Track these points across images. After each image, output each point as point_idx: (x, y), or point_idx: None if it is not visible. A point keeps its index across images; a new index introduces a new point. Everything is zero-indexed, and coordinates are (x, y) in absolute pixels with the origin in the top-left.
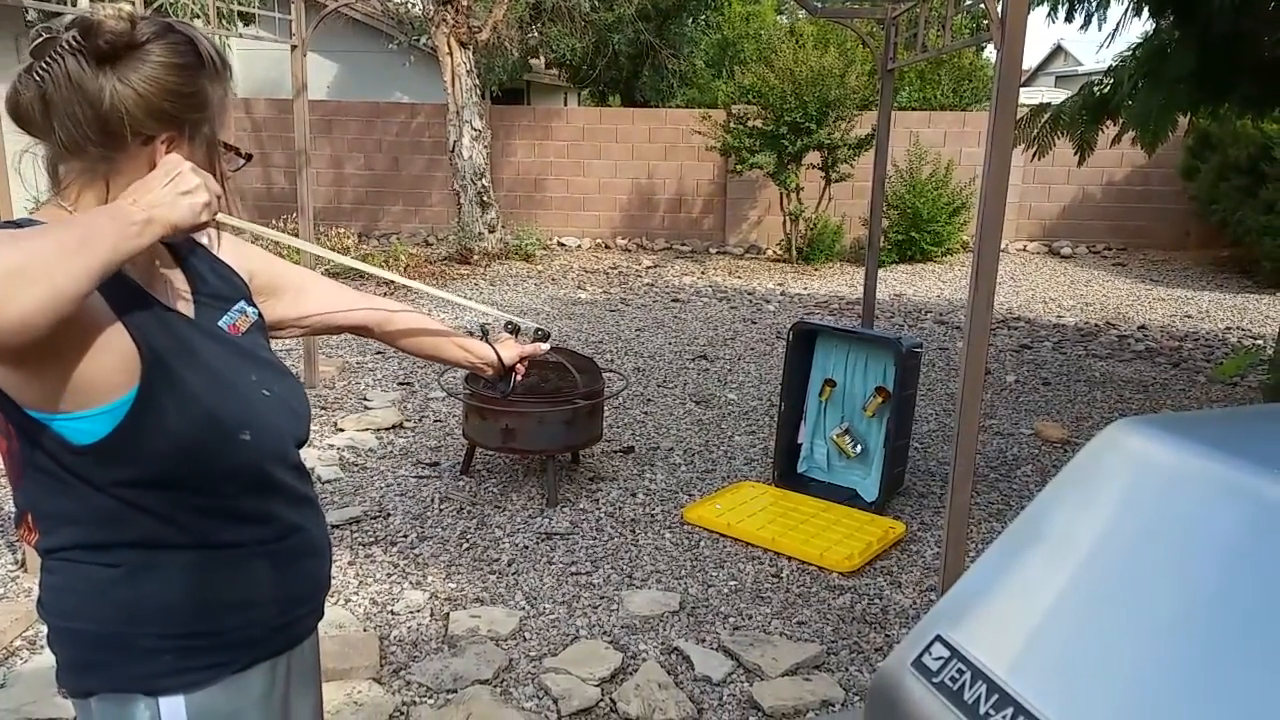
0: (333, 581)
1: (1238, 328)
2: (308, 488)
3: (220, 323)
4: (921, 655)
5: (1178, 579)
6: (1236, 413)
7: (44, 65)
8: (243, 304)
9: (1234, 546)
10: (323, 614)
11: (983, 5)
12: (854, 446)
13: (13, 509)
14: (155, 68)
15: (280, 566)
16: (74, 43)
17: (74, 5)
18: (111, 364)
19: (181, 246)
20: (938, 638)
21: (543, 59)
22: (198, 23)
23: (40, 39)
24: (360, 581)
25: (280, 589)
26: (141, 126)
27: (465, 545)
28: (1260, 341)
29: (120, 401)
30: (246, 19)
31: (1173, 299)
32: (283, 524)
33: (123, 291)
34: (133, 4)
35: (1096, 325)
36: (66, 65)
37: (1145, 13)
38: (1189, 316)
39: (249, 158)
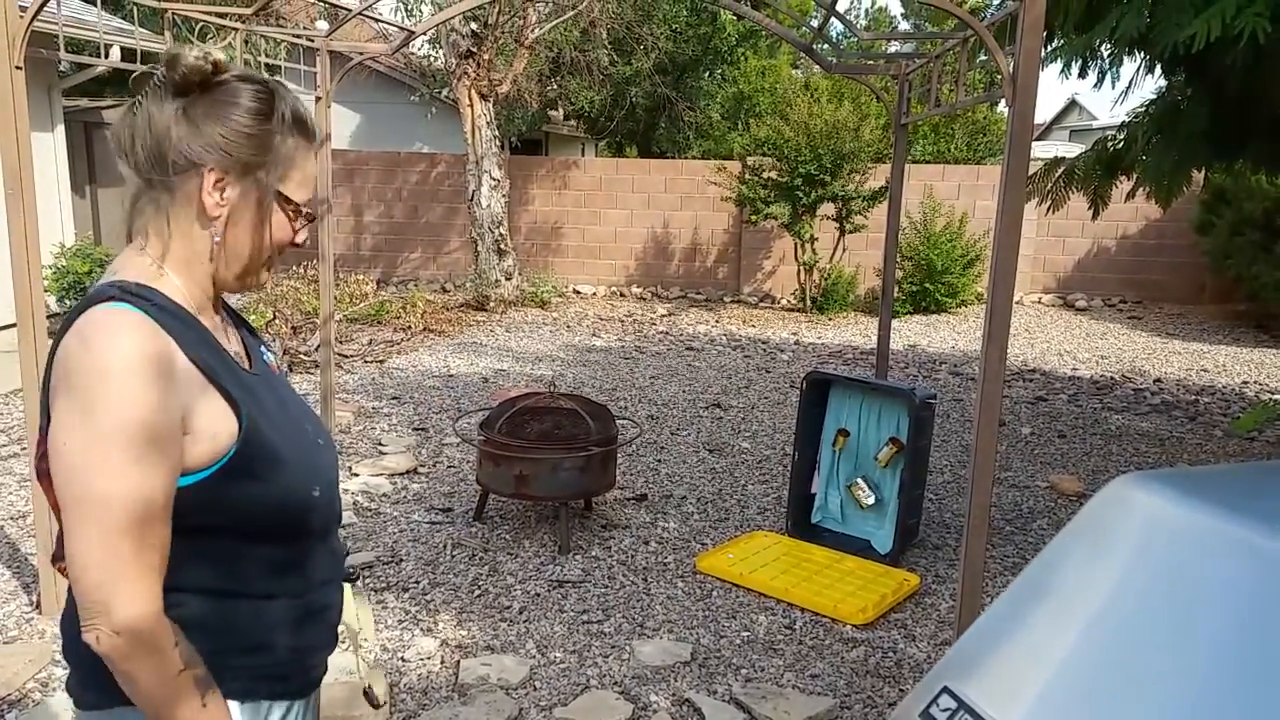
0: (344, 628)
1: (1255, 382)
2: (339, 540)
3: (266, 358)
4: (929, 707)
5: (1183, 636)
6: (1244, 468)
7: (139, 99)
8: (264, 345)
9: (1240, 604)
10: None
11: (995, 63)
12: (868, 497)
13: (31, 550)
14: (218, 104)
15: (307, 616)
16: (161, 77)
17: (105, 57)
18: (214, 437)
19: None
20: (945, 689)
21: (561, 111)
22: None
23: (141, 74)
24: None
25: (302, 638)
26: (190, 153)
27: (477, 592)
28: (1278, 396)
29: (216, 465)
30: (273, 71)
31: (1189, 353)
32: (318, 577)
33: (216, 360)
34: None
35: (1112, 378)
36: (149, 97)
37: (1157, 70)
38: (1205, 370)
39: (312, 219)
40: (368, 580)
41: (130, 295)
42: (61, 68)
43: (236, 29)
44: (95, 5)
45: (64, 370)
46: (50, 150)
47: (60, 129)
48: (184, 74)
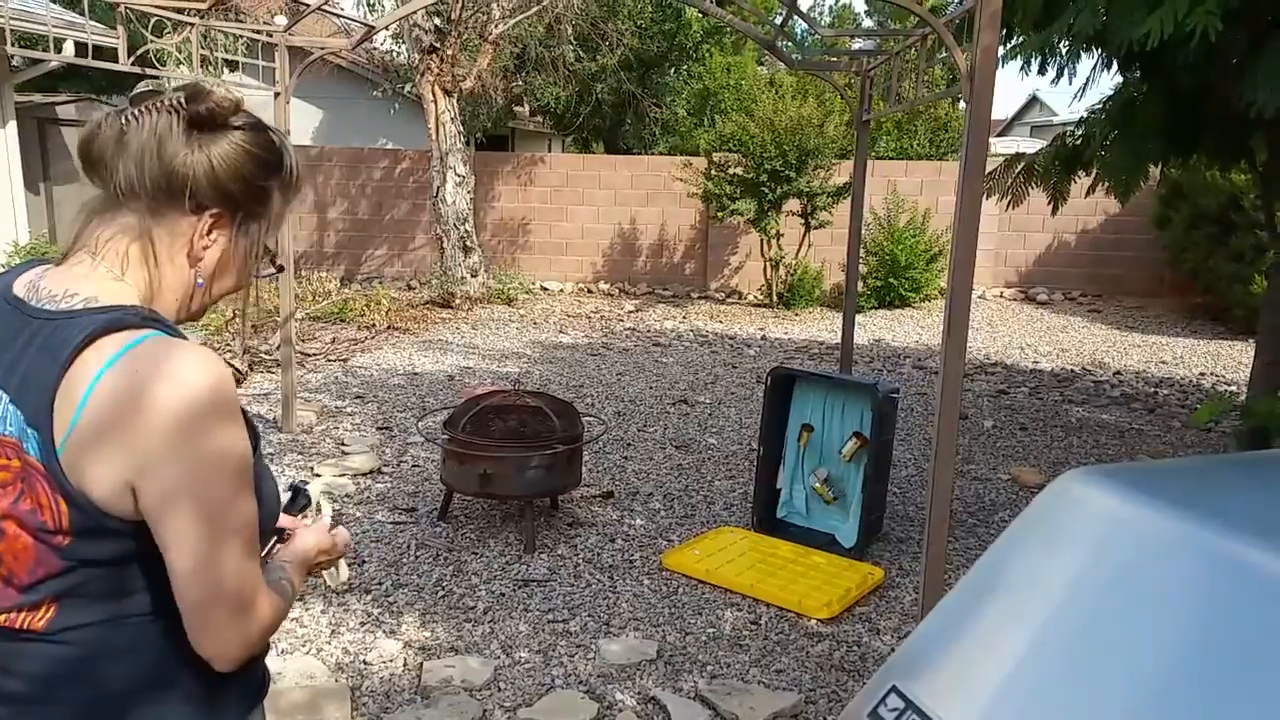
0: (305, 630)
1: (1212, 374)
2: None
3: None
4: (877, 706)
5: (1128, 631)
6: (1187, 463)
7: (137, 112)
8: None
9: (1180, 598)
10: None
11: (954, 59)
12: (832, 492)
13: None
14: (236, 149)
15: None
16: (176, 103)
17: (58, 52)
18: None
19: None
20: (893, 689)
21: (527, 107)
22: (183, 69)
23: (146, 90)
24: (333, 630)
25: None
26: (199, 195)
27: (441, 593)
28: (1233, 387)
29: None
30: (232, 66)
31: (1148, 345)
32: None
33: None
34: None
35: (1073, 371)
36: (158, 118)
37: (1114, 67)
38: (1164, 363)
39: (280, 269)
40: (328, 582)
41: (158, 324)
42: (14, 62)
43: (193, 24)
44: None
45: (155, 414)
46: (2, 146)
47: (12, 125)
48: (211, 109)
